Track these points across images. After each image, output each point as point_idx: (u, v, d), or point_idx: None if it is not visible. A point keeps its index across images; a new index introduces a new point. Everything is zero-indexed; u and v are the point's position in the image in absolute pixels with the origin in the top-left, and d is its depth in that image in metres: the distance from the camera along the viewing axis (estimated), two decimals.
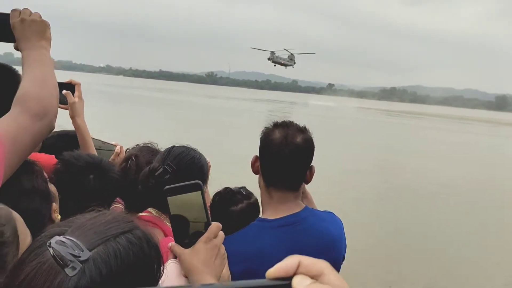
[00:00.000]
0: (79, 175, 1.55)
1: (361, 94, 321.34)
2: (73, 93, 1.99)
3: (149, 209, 1.67)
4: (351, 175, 14.95)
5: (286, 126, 1.60)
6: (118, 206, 2.08)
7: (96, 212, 0.79)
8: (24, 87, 1.27)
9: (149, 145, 2.02)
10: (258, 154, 1.65)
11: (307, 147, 1.60)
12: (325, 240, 1.60)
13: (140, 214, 1.65)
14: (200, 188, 1.03)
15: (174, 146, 1.68)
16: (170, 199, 1.02)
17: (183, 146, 1.69)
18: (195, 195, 1.03)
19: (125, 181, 1.72)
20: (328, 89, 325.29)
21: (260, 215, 1.70)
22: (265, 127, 1.64)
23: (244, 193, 2.02)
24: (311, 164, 1.64)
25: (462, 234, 10.04)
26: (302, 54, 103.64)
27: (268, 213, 1.62)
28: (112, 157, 2.14)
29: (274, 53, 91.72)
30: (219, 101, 67.01)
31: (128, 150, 2.05)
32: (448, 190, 14.40)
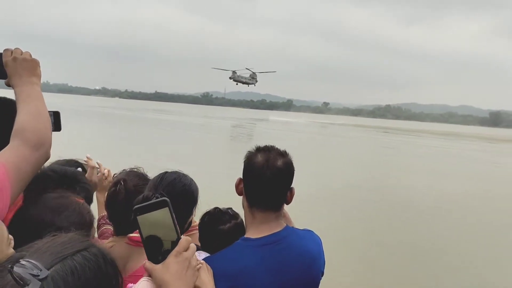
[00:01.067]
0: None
1: (356, 112, 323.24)
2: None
3: None
4: (345, 191, 14.84)
5: (267, 150, 1.70)
6: (109, 227, 2.24)
7: (52, 235, 0.85)
8: (21, 121, 1.37)
9: (135, 169, 2.08)
10: (241, 177, 1.73)
11: (287, 170, 1.69)
12: (305, 258, 1.69)
13: (131, 235, 1.71)
14: (167, 204, 1.05)
15: (166, 173, 1.73)
16: (140, 218, 1.03)
17: (175, 173, 1.73)
18: (163, 212, 1.05)
19: (115, 204, 1.84)
20: (323, 108, 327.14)
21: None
22: (248, 151, 1.74)
23: (231, 213, 2.09)
24: (291, 186, 1.72)
25: (457, 250, 9.85)
26: (264, 73, 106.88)
27: (251, 232, 1.70)
28: (97, 180, 2.26)
29: (236, 72, 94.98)
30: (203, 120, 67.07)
31: (115, 175, 2.12)
32: (445, 206, 14.27)
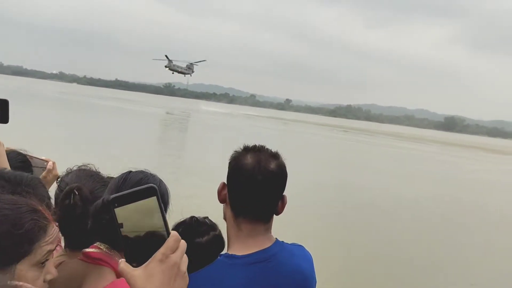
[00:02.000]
0: None
1: (317, 110, 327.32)
2: (4, 109, 1.81)
3: (98, 244, 1.43)
4: (308, 191, 14.53)
5: (258, 151, 1.50)
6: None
7: None
8: None
9: (85, 167, 1.72)
10: (225, 181, 1.52)
11: (281, 174, 1.49)
12: (297, 278, 1.49)
13: (87, 250, 1.42)
14: (155, 193, 0.84)
15: (130, 172, 1.49)
16: (119, 211, 0.83)
17: (141, 172, 1.50)
18: (149, 203, 0.84)
19: (70, 220, 1.50)
20: (286, 105, 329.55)
21: (226, 249, 1.57)
22: (235, 151, 1.52)
23: (209, 223, 1.86)
24: (283, 193, 1.52)
25: (419, 249, 10.09)
26: (200, 62, 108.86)
27: (236, 248, 1.48)
28: (43, 174, 2.01)
29: (172, 61, 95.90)
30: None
31: (61, 178, 1.73)
32: (402, 206, 14.46)
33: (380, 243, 10.27)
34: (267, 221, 1.50)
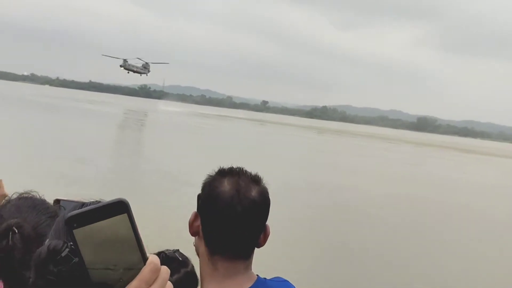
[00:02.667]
0: None
1: (294, 111, 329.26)
2: None
3: None
4: (284, 193, 14.79)
5: (237, 175, 1.29)
6: None
7: None
8: None
9: (26, 195, 1.38)
10: (197, 211, 1.32)
11: (264, 203, 1.29)
12: None
13: None
14: (126, 209, 0.64)
15: (84, 204, 1.20)
16: (78, 233, 0.62)
17: (98, 203, 1.12)
18: (119, 222, 0.64)
19: (9, 263, 1.22)
20: (262, 106, 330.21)
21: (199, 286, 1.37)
22: (208, 175, 1.32)
23: (180, 258, 1.66)
24: (266, 223, 1.32)
25: (392, 247, 10.33)
26: (157, 64, 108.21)
27: None
28: None
29: (127, 61, 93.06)
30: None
31: None
32: (377, 206, 14.74)
33: (355, 242, 10.59)
34: (247, 257, 1.30)
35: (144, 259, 0.64)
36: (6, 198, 1.43)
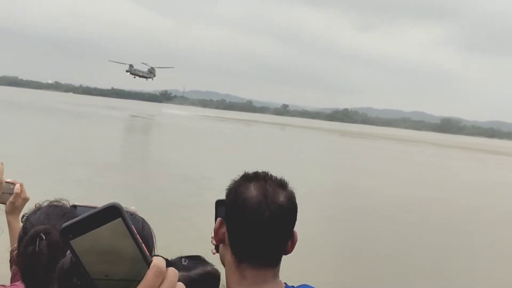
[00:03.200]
0: None
1: (314, 115, 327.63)
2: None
3: None
4: (307, 195, 14.62)
5: (263, 180, 1.25)
6: None
7: None
8: None
9: (56, 203, 1.44)
10: (223, 218, 1.29)
11: (292, 208, 1.26)
12: None
13: None
14: (119, 213, 0.62)
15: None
16: (76, 243, 0.61)
17: None
18: (115, 227, 0.61)
19: (35, 272, 1.23)
20: (283, 110, 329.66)
21: None
22: (233, 181, 1.29)
23: (202, 260, 1.57)
24: (294, 229, 1.28)
25: (418, 251, 10.10)
26: (163, 68, 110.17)
27: None
28: (11, 199, 1.82)
29: (133, 66, 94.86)
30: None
31: (26, 217, 1.43)
32: (403, 209, 14.60)
33: (381, 245, 10.32)
34: (276, 264, 1.27)
35: (148, 262, 0.61)
36: (36, 205, 1.46)
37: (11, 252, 1.69)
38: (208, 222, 1.38)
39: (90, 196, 10.98)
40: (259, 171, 1.29)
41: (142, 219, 1.25)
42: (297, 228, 1.24)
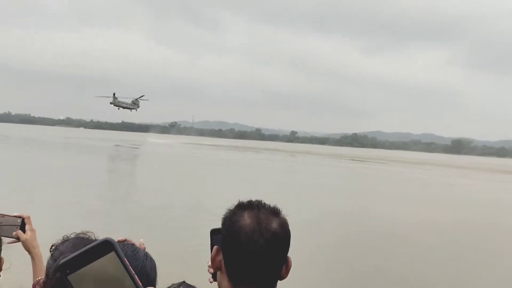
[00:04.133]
0: None
1: (324, 140, 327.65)
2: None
3: None
4: (320, 220, 14.59)
5: (256, 208, 1.30)
6: None
7: None
8: None
9: (82, 235, 1.52)
10: (219, 246, 1.33)
11: (285, 235, 1.30)
12: None
13: None
14: (112, 247, 0.70)
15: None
16: (73, 278, 0.68)
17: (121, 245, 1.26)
18: (109, 261, 0.69)
19: None
20: (292, 137, 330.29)
21: None
22: (228, 210, 1.35)
23: None
24: (287, 255, 1.32)
25: (438, 274, 9.84)
26: (145, 100, 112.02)
27: None
28: (14, 233, 1.92)
29: (116, 98, 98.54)
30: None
31: (55, 247, 1.51)
32: (420, 232, 14.51)
33: (398, 269, 10.23)
34: None
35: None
36: (64, 236, 1.53)
37: (33, 286, 1.77)
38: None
39: (109, 228, 11.15)
40: (253, 199, 1.34)
41: (145, 253, 1.30)
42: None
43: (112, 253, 0.69)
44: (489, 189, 34.92)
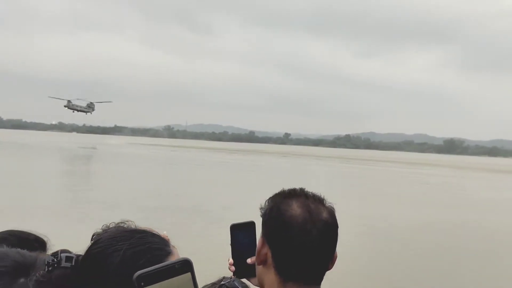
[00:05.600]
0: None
1: (317, 142, 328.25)
2: None
3: None
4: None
5: (303, 196, 1.23)
6: None
7: None
8: None
9: (122, 224, 1.43)
10: (265, 237, 1.24)
11: (335, 224, 1.23)
12: None
13: None
14: (190, 268, 0.70)
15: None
16: None
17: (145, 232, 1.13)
18: (182, 281, 0.69)
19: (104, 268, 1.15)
20: (285, 139, 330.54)
21: None
22: (272, 198, 1.26)
23: (240, 287, 1.47)
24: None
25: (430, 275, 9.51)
26: (101, 103, 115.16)
27: None
28: None
29: (71, 101, 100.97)
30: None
31: (96, 235, 1.38)
32: (419, 233, 13.95)
33: (399, 272, 9.82)
34: (320, 282, 1.23)
35: None
36: (103, 226, 1.46)
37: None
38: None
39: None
40: (296, 187, 1.27)
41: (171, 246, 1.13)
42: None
43: (188, 274, 0.68)
44: (491, 187, 34.63)
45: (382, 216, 17.21)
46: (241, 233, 1.32)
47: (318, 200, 1.23)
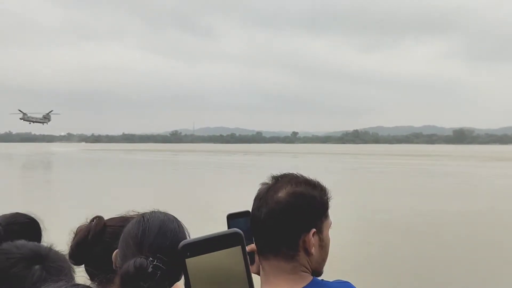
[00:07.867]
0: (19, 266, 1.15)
1: (325, 139, 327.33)
2: None
3: None
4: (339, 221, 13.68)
5: (281, 177, 1.31)
6: None
7: None
8: None
9: (133, 215, 1.51)
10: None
11: (294, 204, 1.24)
12: None
13: None
14: (241, 241, 0.64)
15: (146, 216, 1.19)
16: (191, 263, 0.63)
17: (161, 213, 1.21)
18: (232, 255, 0.63)
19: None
20: (293, 138, 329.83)
21: None
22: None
23: None
24: (313, 229, 1.25)
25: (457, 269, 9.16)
26: (56, 114, 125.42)
27: None
28: None
29: (26, 114, 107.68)
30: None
31: (79, 228, 1.56)
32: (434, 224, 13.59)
33: (416, 265, 9.46)
34: (289, 259, 1.25)
35: None
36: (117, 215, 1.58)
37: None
38: None
39: None
40: (288, 172, 1.34)
41: (178, 220, 1.24)
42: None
43: (239, 247, 0.63)
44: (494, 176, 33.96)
45: (406, 209, 16.84)
46: (237, 222, 1.37)
47: (294, 181, 1.28)
